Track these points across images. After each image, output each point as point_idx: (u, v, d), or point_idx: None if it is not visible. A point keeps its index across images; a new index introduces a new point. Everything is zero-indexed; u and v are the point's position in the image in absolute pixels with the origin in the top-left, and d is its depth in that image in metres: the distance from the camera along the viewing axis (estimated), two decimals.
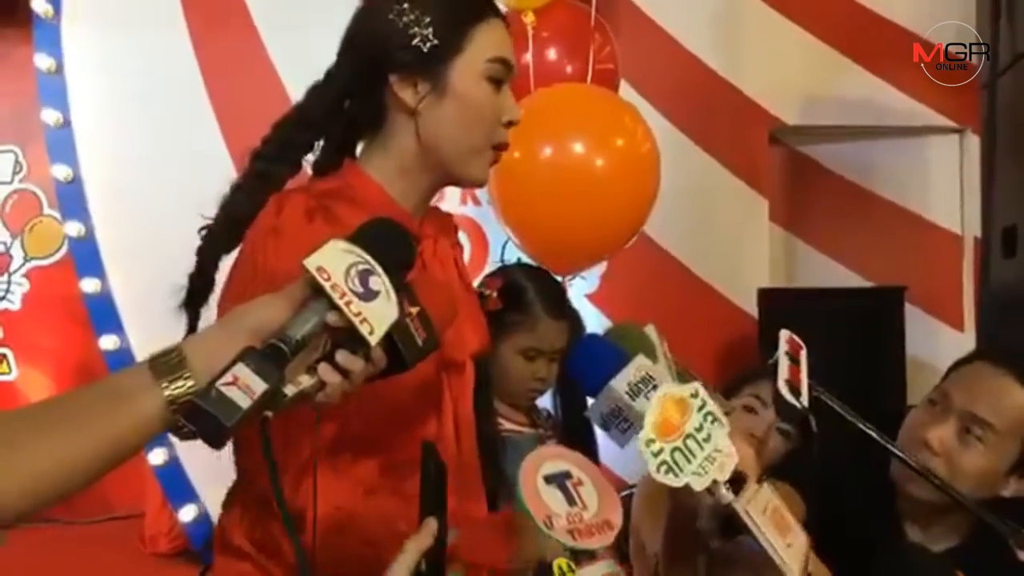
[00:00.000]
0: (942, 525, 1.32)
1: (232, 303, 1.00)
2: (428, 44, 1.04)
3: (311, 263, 0.77)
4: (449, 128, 1.07)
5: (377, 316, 0.78)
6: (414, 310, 0.84)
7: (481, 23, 1.07)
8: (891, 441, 1.22)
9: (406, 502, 1.06)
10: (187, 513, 3.25)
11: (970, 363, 1.35)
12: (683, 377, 1.09)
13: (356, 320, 0.76)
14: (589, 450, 1.71)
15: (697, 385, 0.89)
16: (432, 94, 1.06)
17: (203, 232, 1.10)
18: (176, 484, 3.24)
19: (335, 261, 0.78)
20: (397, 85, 1.06)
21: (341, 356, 0.78)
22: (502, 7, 1.14)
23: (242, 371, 0.71)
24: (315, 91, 1.12)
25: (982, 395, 1.27)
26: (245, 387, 0.71)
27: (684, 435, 0.85)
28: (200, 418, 0.70)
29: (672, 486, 0.84)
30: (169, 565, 3.34)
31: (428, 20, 1.05)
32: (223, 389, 0.70)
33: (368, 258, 0.80)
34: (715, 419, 0.87)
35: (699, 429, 0.86)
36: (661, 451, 0.83)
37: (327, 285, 0.76)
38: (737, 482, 0.92)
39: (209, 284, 1.08)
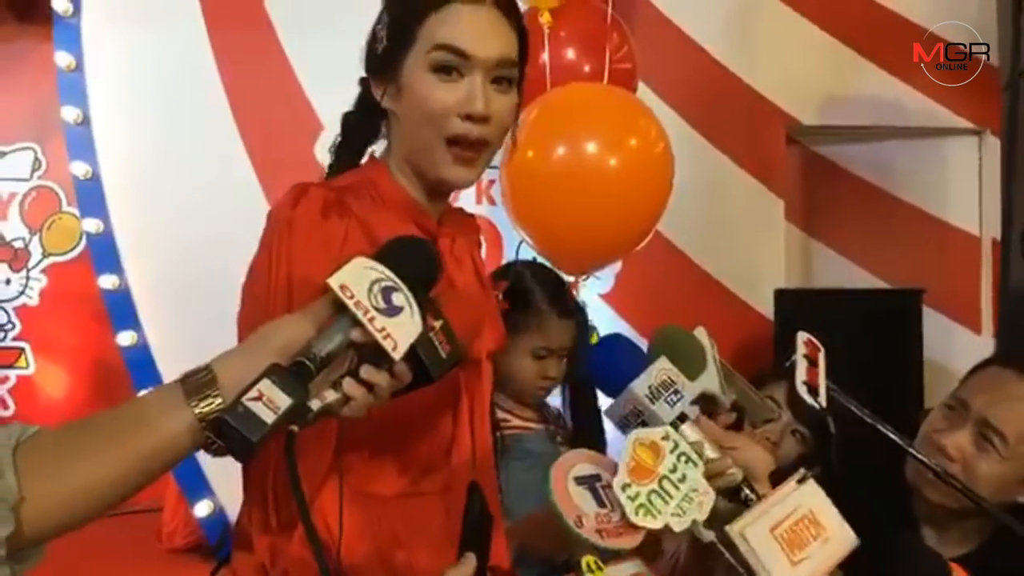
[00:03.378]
0: (959, 529, 1.31)
1: (254, 292, 1.02)
2: (382, 45, 1.07)
3: (334, 281, 0.78)
4: (406, 125, 1.07)
5: (400, 331, 0.79)
6: (437, 324, 0.85)
7: (432, 14, 1.03)
8: (911, 444, 1.21)
9: (424, 500, 1.07)
10: (202, 508, 3.27)
11: (988, 368, 1.34)
12: (731, 382, 1.09)
13: (379, 336, 0.78)
14: (599, 450, 1.71)
15: (667, 428, 0.88)
16: (392, 93, 1.07)
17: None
18: (191, 479, 3.25)
19: (358, 278, 0.79)
20: (374, 89, 1.09)
21: (365, 371, 0.80)
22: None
23: (267, 387, 0.73)
24: (355, 103, 1.16)
25: (998, 403, 1.26)
26: (270, 402, 0.73)
27: (659, 477, 0.84)
28: (227, 433, 0.72)
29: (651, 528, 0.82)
30: (185, 560, 3.36)
31: (386, 22, 1.07)
32: (249, 404, 0.72)
33: (391, 275, 0.81)
34: (688, 459, 0.86)
35: (673, 470, 0.85)
36: (638, 495, 0.82)
37: (350, 302, 0.78)
38: (745, 497, 0.92)
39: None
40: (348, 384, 0.80)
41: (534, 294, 1.72)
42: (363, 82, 1.12)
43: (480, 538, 0.83)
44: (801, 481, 0.92)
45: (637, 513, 0.81)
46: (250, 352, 0.79)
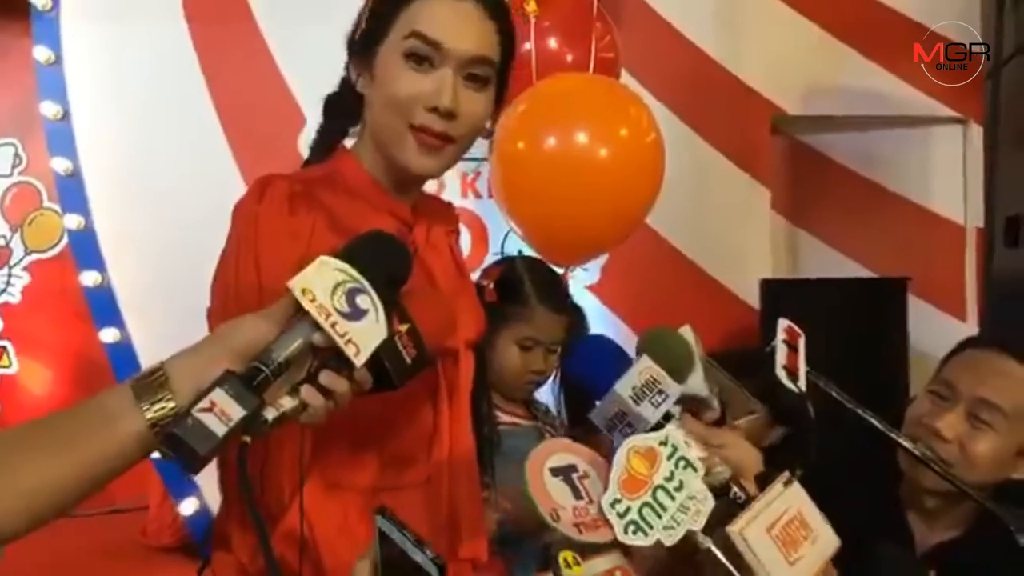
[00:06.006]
0: (947, 515, 1.31)
1: (224, 289, 1.00)
2: (360, 30, 1.07)
3: (295, 284, 0.75)
4: (374, 109, 1.07)
5: (364, 336, 0.76)
6: (404, 328, 0.83)
7: (413, 3, 1.03)
8: (893, 428, 1.21)
9: (406, 493, 1.06)
10: (188, 506, 3.25)
11: (967, 350, 1.35)
12: (714, 377, 1.08)
13: (341, 341, 0.75)
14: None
15: (667, 431, 0.85)
16: (365, 76, 1.07)
17: None
18: (176, 477, 3.23)
19: (322, 280, 0.76)
20: (351, 71, 1.09)
21: (325, 377, 0.78)
22: None
23: (220, 397, 0.70)
24: (340, 83, 1.16)
25: (987, 379, 1.27)
26: (222, 414, 0.70)
27: (653, 488, 0.80)
28: (175, 446, 0.69)
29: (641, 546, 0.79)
30: (171, 558, 3.34)
31: (370, 6, 1.07)
32: (199, 416, 0.69)
33: (357, 276, 0.78)
34: (687, 464, 0.83)
35: (670, 478, 0.81)
36: (628, 510, 0.78)
37: (312, 307, 0.75)
38: (735, 495, 0.91)
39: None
40: (306, 391, 0.77)
41: (523, 284, 1.71)
42: (347, 66, 1.12)
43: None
44: (787, 483, 0.91)
45: (626, 531, 0.78)
46: (206, 352, 0.76)
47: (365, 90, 1.08)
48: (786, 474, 0.93)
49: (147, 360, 3.43)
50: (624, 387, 0.95)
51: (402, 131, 1.03)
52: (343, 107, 1.13)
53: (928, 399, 1.33)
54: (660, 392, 0.95)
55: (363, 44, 1.06)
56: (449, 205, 1.25)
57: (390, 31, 1.03)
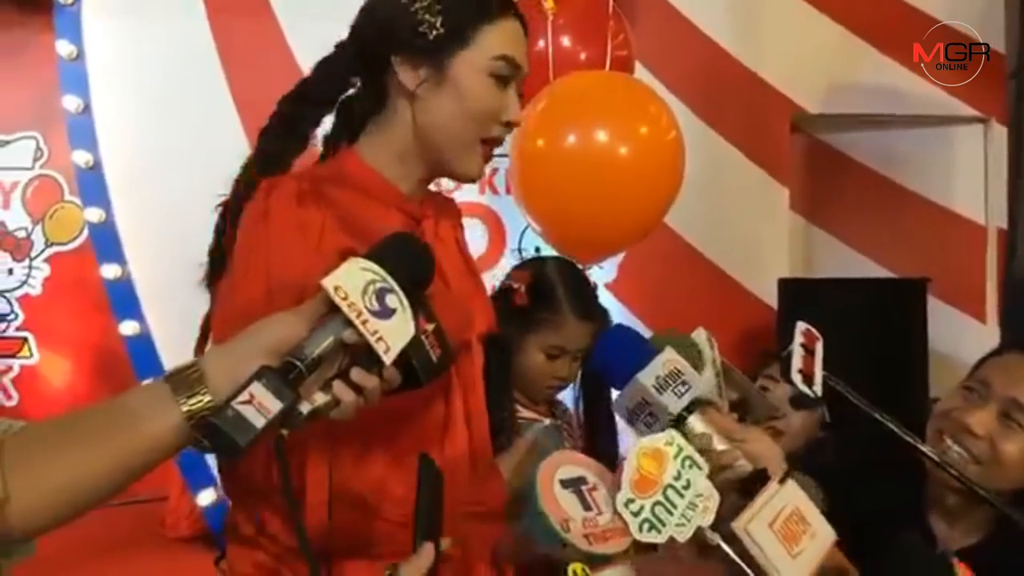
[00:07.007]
0: (968, 518, 1.30)
1: (229, 290, 1.01)
2: (434, 32, 1.05)
3: (328, 282, 0.78)
4: (444, 118, 1.08)
5: (393, 334, 0.79)
6: (430, 327, 0.85)
7: (494, 21, 1.07)
8: (910, 432, 1.20)
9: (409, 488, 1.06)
10: (205, 497, 3.28)
11: (1006, 354, 1.34)
12: (732, 379, 1.08)
13: (372, 338, 0.78)
14: (611, 444, 1.70)
15: (671, 432, 0.87)
16: (431, 81, 1.07)
17: (219, 208, 1.12)
18: (195, 469, 3.26)
19: (353, 279, 0.79)
20: (399, 66, 1.07)
21: (356, 374, 0.80)
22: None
23: (258, 390, 0.73)
24: (322, 65, 1.14)
25: (1020, 381, 1.26)
26: (260, 406, 0.72)
27: (663, 487, 0.83)
28: (215, 436, 0.71)
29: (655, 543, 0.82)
30: (189, 548, 3.37)
31: (439, 8, 1.06)
32: (239, 408, 0.72)
33: (386, 276, 0.81)
34: (692, 463, 0.86)
35: (678, 477, 0.84)
36: (641, 509, 0.81)
37: (344, 304, 0.77)
38: (750, 489, 0.91)
39: (227, 259, 1.08)
40: (338, 387, 0.80)
41: (555, 291, 1.68)
42: (382, 54, 1.07)
43: (433, 515, 0.81)
44: (782, 481, 0.92)
45: (641, 530, 0.80)
46: (240, 350, 0.78)
47: (422, 91, 1.07)
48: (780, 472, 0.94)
49: (166, 353, 3.47)
50: (647, 377, 0.95)
51: (472, 142, 1.10)
52: (371, 103, 1.13)
53: (960, 394, 1.33)
54: (683, 383, 0.95)
55: (435, 47, 1.06)
56: (451, 200, 1.26)
57: (471, 43, 1.06)
